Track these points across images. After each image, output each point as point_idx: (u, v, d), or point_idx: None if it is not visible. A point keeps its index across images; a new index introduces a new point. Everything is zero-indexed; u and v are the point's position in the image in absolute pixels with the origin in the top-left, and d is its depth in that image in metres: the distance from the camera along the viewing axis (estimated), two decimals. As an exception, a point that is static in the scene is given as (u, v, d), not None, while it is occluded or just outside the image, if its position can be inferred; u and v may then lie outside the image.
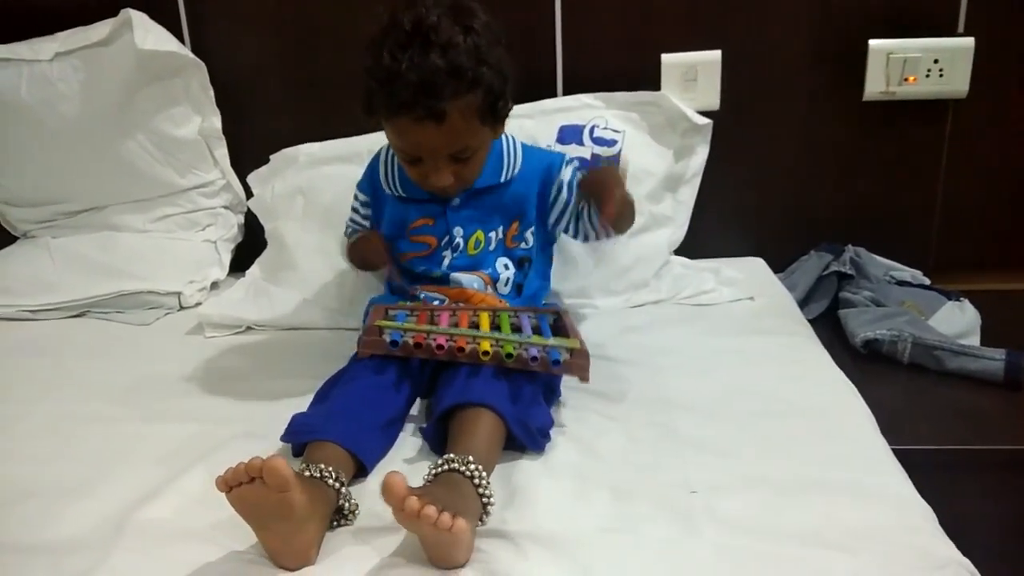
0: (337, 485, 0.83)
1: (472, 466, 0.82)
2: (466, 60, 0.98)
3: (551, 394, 1.05)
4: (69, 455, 0.99)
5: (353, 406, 0.96)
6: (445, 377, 1.01)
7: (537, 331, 1.05)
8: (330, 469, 0.83)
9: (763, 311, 1.33)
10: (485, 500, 0.82)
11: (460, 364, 0.99)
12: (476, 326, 1.04)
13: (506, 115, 1.09)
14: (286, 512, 0.75)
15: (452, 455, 0.84)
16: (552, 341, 1.01)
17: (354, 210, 1.26)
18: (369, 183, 1.22)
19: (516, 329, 1.05)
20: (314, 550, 0.79)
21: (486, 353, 0.98)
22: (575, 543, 0.78)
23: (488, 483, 0.82)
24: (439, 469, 0.83)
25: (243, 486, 0.75)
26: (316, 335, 1.33)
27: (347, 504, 0.84)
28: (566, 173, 1.17)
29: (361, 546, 0.80)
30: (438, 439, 0.94)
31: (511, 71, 1.04)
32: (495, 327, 1.05)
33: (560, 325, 1.09)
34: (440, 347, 0.99)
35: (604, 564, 0.76)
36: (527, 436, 0.94)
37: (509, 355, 0.98)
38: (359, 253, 1.21)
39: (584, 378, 1.00)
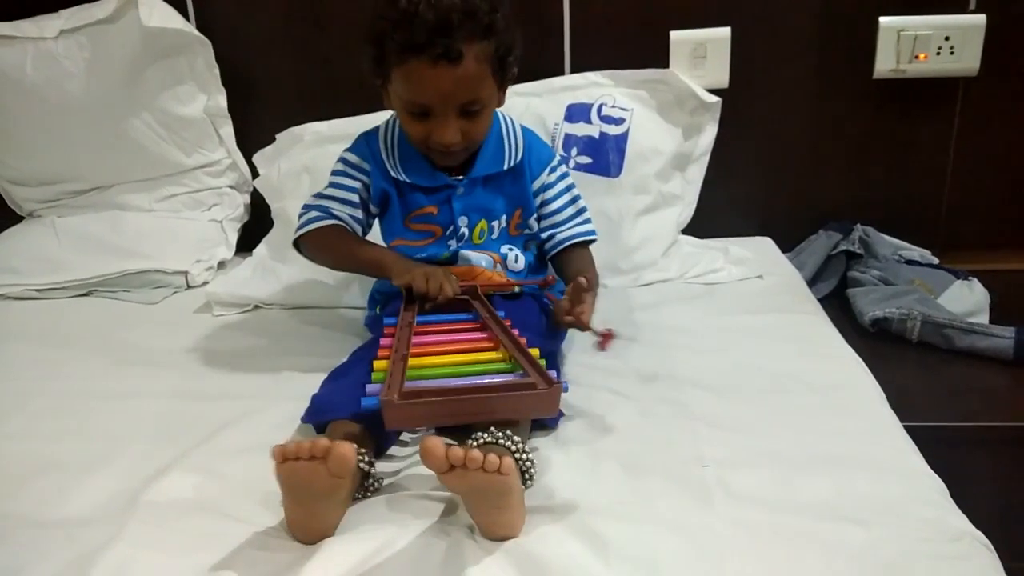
0: (368, 469, 0.83)
1: (510, 436, 0.81)
2: (481, 3, 0.98)
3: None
4: (80, 432, 1.00)
5: None
6: None
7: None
8: (363, 451, 0.82)
9: (772, 290, 1.33)
10: (525, 468, 0.81)
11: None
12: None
13: (511, 80, 1.07)
14: (332, 495, 0.76)
15: (480, 433, 0.82)
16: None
17: (339, 175, 1.13)
18: (368, 151, 1.13)
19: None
20: (334, 526, 0.79)
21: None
22: (588, 516, 0.78)
23: (527, 451, 0.82)
24: (475, 444, 0.82)
25: (301, 461, 0.74)
26: (323, 313, 1.33)
27: (374, 484, 0.84)
28: (550, 178, 1.17)
29: (376, 519, 0.80)
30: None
31: (518, 36, 1.04)
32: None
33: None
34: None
35: (618, 536, 0.76)
36: None
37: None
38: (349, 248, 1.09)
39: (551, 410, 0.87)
